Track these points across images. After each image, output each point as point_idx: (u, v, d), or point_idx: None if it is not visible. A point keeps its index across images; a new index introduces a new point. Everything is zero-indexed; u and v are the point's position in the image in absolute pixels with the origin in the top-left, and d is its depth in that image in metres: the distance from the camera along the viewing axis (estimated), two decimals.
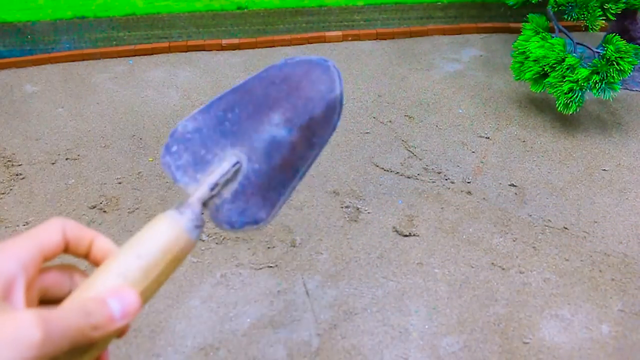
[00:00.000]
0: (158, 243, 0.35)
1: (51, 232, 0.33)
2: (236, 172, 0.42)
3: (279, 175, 0.42)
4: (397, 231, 0.83)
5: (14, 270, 0.30)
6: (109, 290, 0.32)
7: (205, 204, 0.40)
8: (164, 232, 0.35)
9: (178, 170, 0.41)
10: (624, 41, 1.02)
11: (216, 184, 0.40)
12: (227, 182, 0.41)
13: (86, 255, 0.35)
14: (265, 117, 0.43)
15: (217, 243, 0.80)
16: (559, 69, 1.04)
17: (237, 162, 0.42)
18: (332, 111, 0.42)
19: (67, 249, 0.34)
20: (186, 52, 1.43)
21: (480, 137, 1.07)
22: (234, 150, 0.42)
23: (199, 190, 0.40)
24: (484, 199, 0.91)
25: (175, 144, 0.41)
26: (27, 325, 0.28)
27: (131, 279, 0.34)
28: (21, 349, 0.27)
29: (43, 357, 0.28)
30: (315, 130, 0.42)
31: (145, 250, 0.35)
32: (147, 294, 0.34)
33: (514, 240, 0.82)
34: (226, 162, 0.42)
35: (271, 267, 0.76)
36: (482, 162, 1.00)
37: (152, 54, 1.42)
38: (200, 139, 0.42)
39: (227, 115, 0.43)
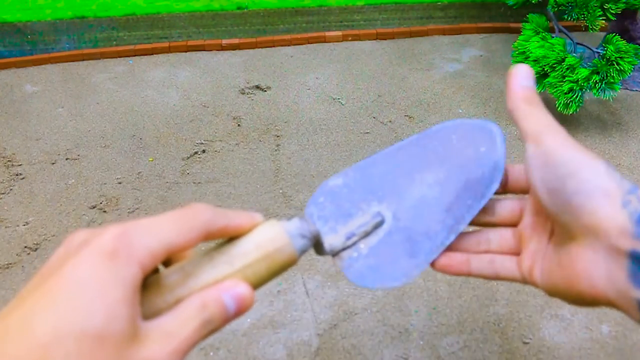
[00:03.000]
0: (259, 239, 0.35)
1: (191, 230, 0.31)
2: (377, 227, 0.40)
3: (428, 235, 0.41)
4: None
5: (139, 279, 0.28)
6: (223, 284, 0.32)
7: (339, 254, 0.39)
8: (267, 230, 0.35)
9: (320, 220, 0.40)
10: (624, 41, 1.02)
11: (353, 234, 0.39)
12: (366, 234, 0.40)
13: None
14: (418, 176, 0.42)
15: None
16: (559, 69, 1.04)
17: (379, 216, 0.41)
18: (493, 173, 0.41)
19: (206, 240, 0.33)
20: (186, 52, 1.43)
21: None
22: (381, 206, 0.41)
23: (335, 236, 0.39)
24: None
25: (322, 196, 0.41)
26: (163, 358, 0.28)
27: (243, 273, 0.34)
28: None
29: None
30: (472, 191, 0.41)
31: (250, 246, 0.35)
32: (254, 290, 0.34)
33: None
34: (368, 215, 0.41)
35: None
36: None
37: (152, 54, 1.42)
38: (348, 193, 0.41)
39: (378, 173, 0.43)
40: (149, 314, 0.29)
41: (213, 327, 0.31)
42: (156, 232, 0.30)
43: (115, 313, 0.27)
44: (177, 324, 0.29)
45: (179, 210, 0.32)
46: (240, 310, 0.32)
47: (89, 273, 0.27)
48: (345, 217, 0.40)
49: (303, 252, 0.37)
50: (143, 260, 0.28)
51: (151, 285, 0.31)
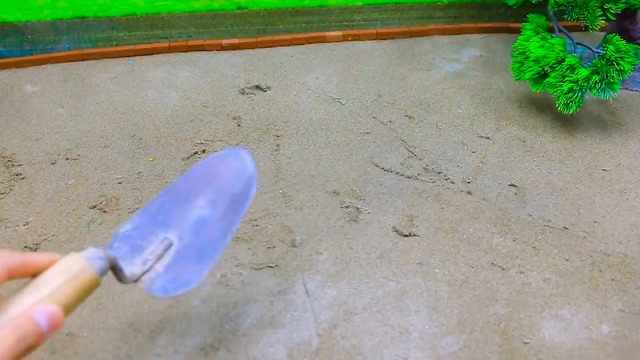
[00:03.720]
0: (61, 267, 0.41)
1: None
2: (167, 250, 0.51)
3: (206, 247, 0.52)
4: (397, 231, 0.83)
5: None
6: (34, 307, 0.38)
7: (140, 279, 0.49)
8: (67, 259, 0.42)
9: (121, 260, 0.48)
10: (624, 41, 1.02)
11: (148, 259, 0.50)
12: (159, 257, 0.50)
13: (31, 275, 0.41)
14: (192, 203, 0.54)
15: None
16: (559, 69, 1.04)
17: (167, 240, 0.52)
18: (249, 184, 0.55)
19: (10, 278, 0.40)
20: (186, 52, 1.43)
21: (480, 137, 1.07)
22: (167, 233, 0.52)
23: (133, 267, 0.49)
24: (484, 199, 0.91)
25: (116, 242, 0.51)
26: None
27: (51, 296, 0.40)
28: None
29: None
30: (237, 202, 0.54)
31: (53, 274, 0.41)
32: (66, 311, 0.40)
33: (514, 240, 0.82)
34: (158, 242, 0.51)
35: (271, 267, 0.76)
36: (482, 162, 1.00)
37: (152, 54, 1.42)
38: (138, 233, 0.52)
39: (159, 211, 0.54)
40: None
41: (28, 343, 0.37)
42: None
43: None
44: None
45: None
46: (53, 327, 0.38)
47: None
48: (139, 250, 0.50)
49: (103, 272, 0.44)
50: None
51: None
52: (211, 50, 1.43)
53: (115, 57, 1.41)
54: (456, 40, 1.47)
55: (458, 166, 0.99)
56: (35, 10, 1.37)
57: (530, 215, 0.87)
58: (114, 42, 1.43)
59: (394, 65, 1.35)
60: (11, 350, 0.36)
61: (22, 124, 1.14)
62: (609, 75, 1.01)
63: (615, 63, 1.01)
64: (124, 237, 0.52)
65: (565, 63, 1.03)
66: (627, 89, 1.22)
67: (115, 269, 0.46)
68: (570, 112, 1.04)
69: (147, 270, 0.50)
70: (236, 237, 0.82)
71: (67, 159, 1.03)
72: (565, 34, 1.10)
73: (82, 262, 0.42)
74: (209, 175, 0.56)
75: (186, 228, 0.53)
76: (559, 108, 1.04)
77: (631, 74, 1.08)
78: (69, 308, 0.40)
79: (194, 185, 0.56)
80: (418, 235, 0.83)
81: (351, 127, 1.11)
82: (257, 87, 1.26)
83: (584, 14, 1.06)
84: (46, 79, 1.32)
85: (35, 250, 0.81)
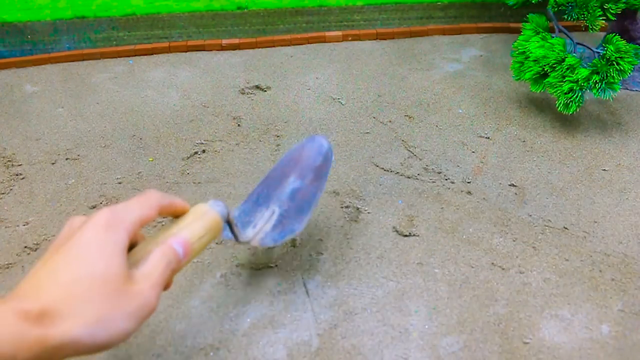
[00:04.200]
0: (192, 210, 0.53)
1: (151, 207, 0.47)
2: (272, 217, 0.66)
3: (303, 204, 0.67)
4: (397, 231, 0.83)
5: (126, 241, 0.43)
6: (170, 237, 0.48)
7: (252, 239, 0.63)
8: (196, 206, 0.53)
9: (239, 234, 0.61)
10: (624, 41, 1.02)
11: (255, 225, 0.65)
12: (266, 222, 0.66)
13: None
14: (285, 182, 0.70)
15: (217, 243, 0.80)
16: (559, 69, 1.04)
17: (269, 209, 0.67)
18: (327, 156, 0.71)
19: (159, 214, 0.49)
20: (186, 52, 1.43)
21: (480, 137, 1.08)
22: (268, 208, 0.68)
23: (245, 232, 0.65)
24: (484, 199, 0.91)
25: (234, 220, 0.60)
26: (150, 298, 0.42)
27: (184, 229, 0.50)
28: (144, 315, 0.42)
29: None
30: (320, 172, 0.69)
31: (185, 215, 0.52)
32: (197, 246, 0.51)
33: (514, 240, 0.82)
34: (265, 213, 0.67)
35: (271, 267, 0.76)
36: (482, 162, 1.00)
37: (152, 54, 1.42)
38: (244, 215, 0.67)
39: (259, 197, 0.69)
40: (132, 265, 0.44)
41: (173, 266, 0.46)
42: (131, 210, 0.45)
43: (112, 261, 0.40)
44: (150, 268, 0.44)
45: (139, 196, 0.47)
46: (187, 254, 0.48)
47: (92, 239, 0.41)
48: (249, 224, 0.66)
49: (223, 216, 0.55)
50: (128, 228, 0.43)
51: (131, 249, 0.46)
52: (211, 50, 1.43)
53: (115, 57, 1.41)
54: (456, 40, 1.47)
55: (458, 166, 0.99)
56: (35, 10, 1.37)
57: (530, 215, 0.87)
58: (114, 42, 1.43)
59: (394, 65, 1.35)
60: (163, 273, 0.44)
61: (22, 124, 1.14)
62: (609, 75, 1.01)
63: (615, 63, 1.01)
64: (236, 218, 0.66)
65: (565, 63, 1.03)
66: (627, 89, 1.22)
67: (231, 224, 0.58)
68: (570, 112, 1.04)
69: (258, 233, 0.64)
70: None
71: (67, 159, 1.03)
72: (565, 34, 1.10)
73: (207, 206, 0.53)
74: (294, 159, 0.71)
75: (284, 199, 0.68)
76: (559, 108, 1.04)
77: (631, 74, 1.08)
78: (199, 242, 0.51)
79: (283, 169, 0.71)
80: (418, 235, 0.83)
81: (351, 127, 1.11)
82: (257, 87, 1.26)
83: (584, 14, 1.06)
84: (46, 79, 1.32)
85: (36, 250, 0.81)
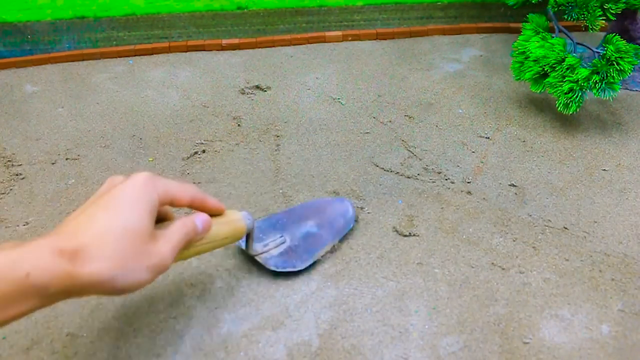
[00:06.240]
0: (225, 214, 0.61)
1: (185, 192, 0.53)
2: (282, 244, 0.73)
3: (312, 248, 0.74)
4: (397, 231, 0.83)
5: (157, 203, 0.49)
6: (194, 214, 0.55)
7: (259, 255, 0.71)
8: (230, 212, 0.62)
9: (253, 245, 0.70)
10: (624, 41, 1.02)
11: (267, 244, 0.72)
12: (276, 246, 0.73)
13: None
14: (303, 223, 0.77)
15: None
16: (559, 69, 1.04)
17: (282, 238, 0.74)
18: (348, 222, 0.80)
19: (190, 206, 0.56)
20: (186, 52, 1.43)
21: (480, 137, 1.08)
22: (284, 234, 0.75)
23: (257, 246, 0.72)
24: (484, 199, 0.91)
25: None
26: (167, 258, 0.49)
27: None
28: (159, 271, 0.48)
29: None
30: (338, 231, 0.78)
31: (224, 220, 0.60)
32: (216, 242, 0.59)
33: (514, 240, 0.82)
34: (276, 238, 0.74)
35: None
36: (482, 162, 1.00)
37: (152, 54, 1.42)
38: (260, 232, 0.74)
39: (277, 222, 0.77)
40: (157, 228, 0.50)
41: (191, 237, 0.53)
42: (168, 182, 0.52)
43: (143, 218, 0.46)
44: (171, 233, 0.50)
45: (179, 180, 0.54)
46: (204, 229, 0.55)
47: (129, 195, 0.46)
48: (261, 240, 0.73)
49: (248, 229, 0.64)
50: (160, 193, 0.49)
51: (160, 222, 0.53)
52: (211, 50, 1.43)
53: (115, 57, 1.41)
54: (456, 40, 1.47)
55: (458, 166, 0.99)
56: (35, 10, 1.37)
57: (530, 215, 0.87)
58: (114, 42, 1.43)
59: (394, 65, 1.35)
60: (179, 239, 0.50)
61: (22, 124, 1.14)
62: (609, 75, 1.01)
63: (615, 63, 1.01)
64: (256, 233, 0.73)
65: (565, 63, 1.03)
66: (627, 89, 1.22)
67: (249, 236, 0.66)
68: (570, 112, 1.04)
69: (265, 251, 0.71)
70: None
71: (67, 159, 1.03)
72: (565, 34, 1.10)
73: (239, 215, 0.62)
74: (320, 209, 0.80)
75: (297, 235, 0.75)
76: (559, 108, 1.04)
77: (631, 74, 1.08)
78: (222, 241, 0.59)
79: (307, 212, 0.79)
80: (418, 235, 0.83)
81: (351, 127, 1.11)
82: (257, 87, 1.26)
83: (584, 14, 1.06)
84: (46, 79, 1.32)
85: None
